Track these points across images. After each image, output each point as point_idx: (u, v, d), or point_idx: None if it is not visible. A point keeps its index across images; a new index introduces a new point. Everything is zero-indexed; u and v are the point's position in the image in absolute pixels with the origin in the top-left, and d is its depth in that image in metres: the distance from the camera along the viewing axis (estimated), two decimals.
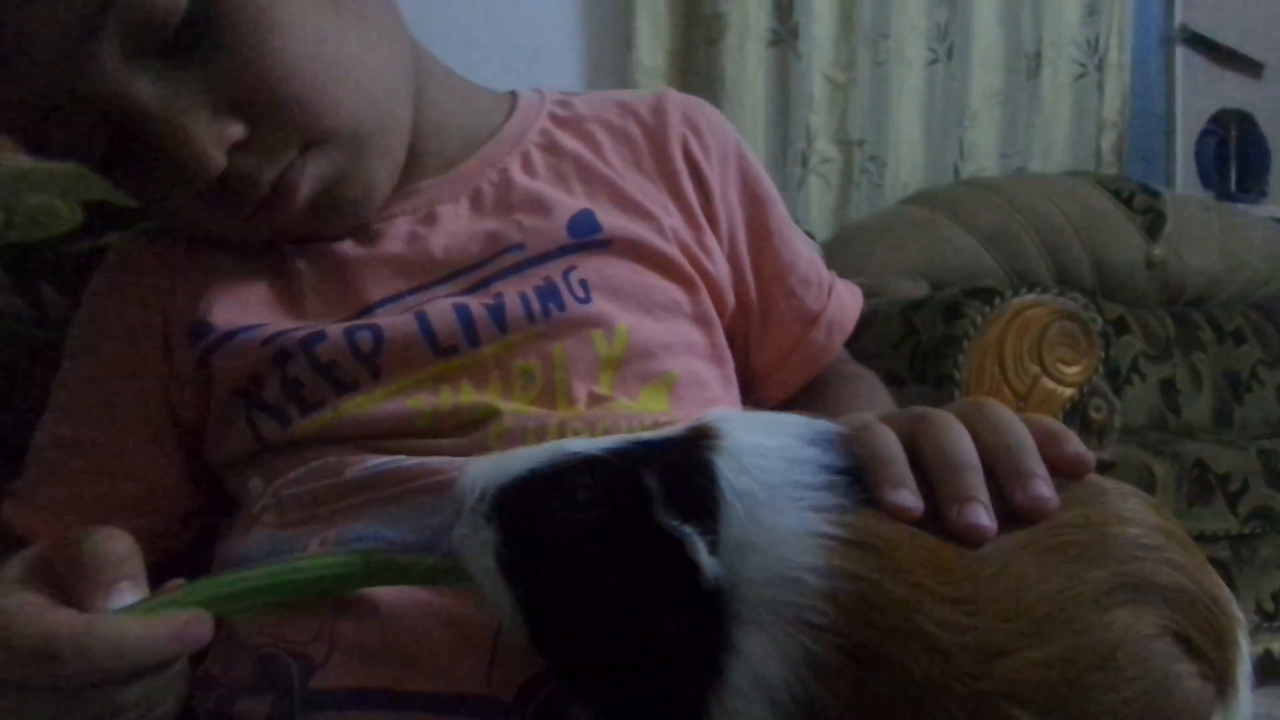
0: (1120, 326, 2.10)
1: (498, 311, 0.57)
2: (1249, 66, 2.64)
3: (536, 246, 0.60)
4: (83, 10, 0.50)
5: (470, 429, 0.55)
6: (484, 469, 0.43)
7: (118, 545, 0.43)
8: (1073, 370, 1.51)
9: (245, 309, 0.59)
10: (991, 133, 2.38)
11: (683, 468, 0.40)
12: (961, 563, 0.39)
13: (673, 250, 0.62)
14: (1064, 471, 0.42)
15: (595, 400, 0.57)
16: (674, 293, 0.62)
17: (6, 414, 0.75)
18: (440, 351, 0.57)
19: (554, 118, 0.67)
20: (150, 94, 0.52)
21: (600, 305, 0.59)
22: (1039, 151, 2.40)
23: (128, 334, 0.61)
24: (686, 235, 0.64)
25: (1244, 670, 0.43)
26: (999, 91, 2.38)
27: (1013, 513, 0.41)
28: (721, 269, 0.65)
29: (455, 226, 0.61)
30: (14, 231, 0.77)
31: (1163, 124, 2.62)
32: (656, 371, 0.59)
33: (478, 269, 0.59)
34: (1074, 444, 0.42)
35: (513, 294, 0.58)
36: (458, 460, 0.53)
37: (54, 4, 0.50)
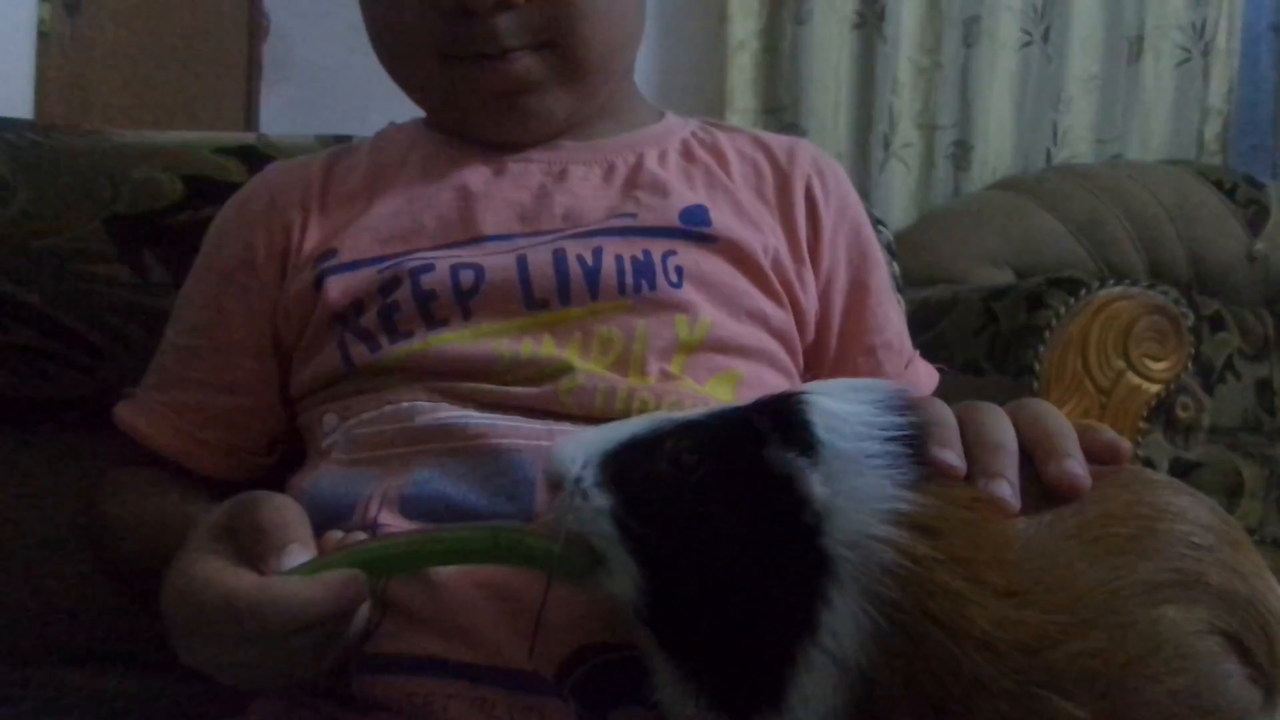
0: (1216, 323, 2.02)
1: (593, 274, 0.60)
2: None
3: (647, 219, 0.63)
4: None
5: (543, 381, 0.57)
6: (579, 443, 0.45)
7: (289, 511, 0.49)
8: (1160, 366, 1.47)
9: (371, 240, 0.62)
10: (1088, 118, 2.30)
11: (783, 419, 0.41)
12: (1014, 552, 0.40)
13: (770, 266, 0.64)
14: (1099, 457, 0.44)
15: (665, 377, 0.59)
16: (762, 302, 0.63)
17: (110, 371, 0.80)
18: (532, 304, 0.59)
19: (695, 136, 0.70)
20: None
21: (690, 293, 0.61)
22: (1137, 139, 2.31)
23: (248, 254, 0.65)
24: (787, 260, 0.66)
25: None
26: (1097, 75, 2.30)
27: (1060, 499, 0.42)
28: (811, 304, 0.67)
29: (582, 190, 0.64)
30: (119, 203, 0.80)
31: (1271, 113, 2.49)
32: (727, 366, 0.61)
33: (591, 236, 0.62)
34: (1109, 433, 0.45)
35: (610, 255, 0.60)
36: (523, 426, 0.55)
37: None
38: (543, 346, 0.58)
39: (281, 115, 2.08)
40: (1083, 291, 1.48)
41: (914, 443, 0.41)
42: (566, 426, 0.55)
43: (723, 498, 0.41)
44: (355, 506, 0.54)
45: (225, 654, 0.46)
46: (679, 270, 0.61)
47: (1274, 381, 2.05)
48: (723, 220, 0.64)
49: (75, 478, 0.78)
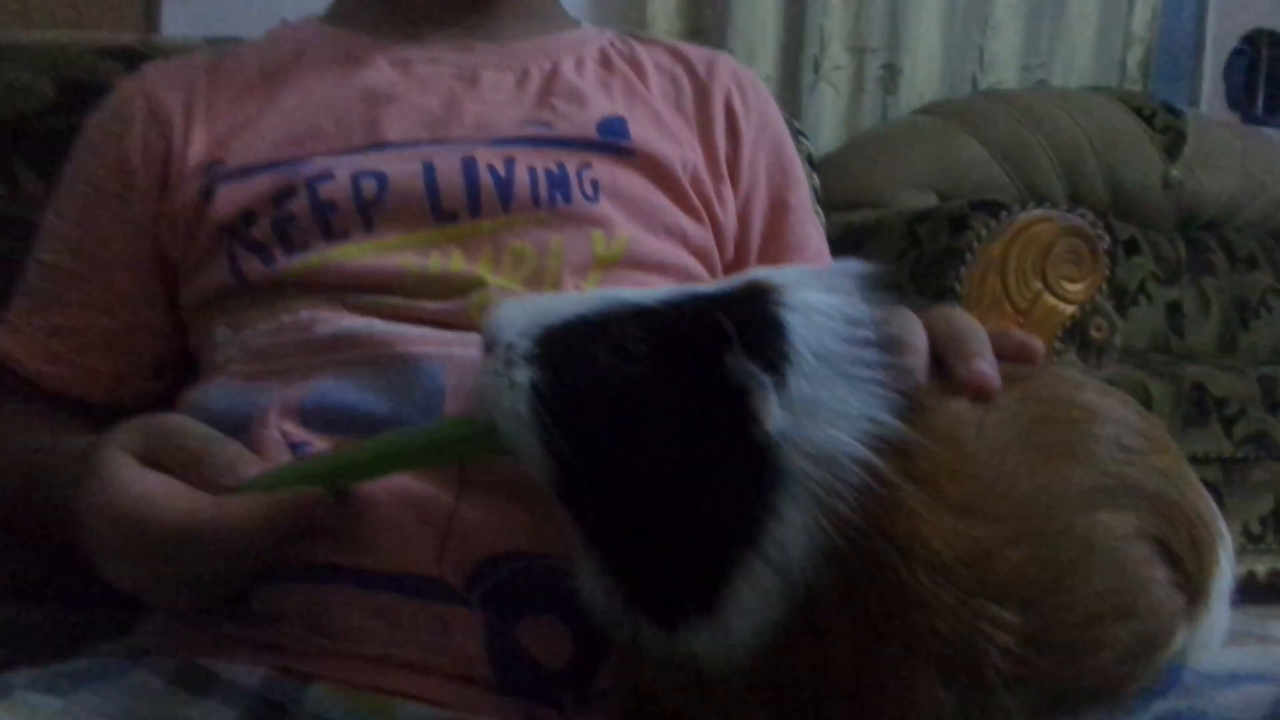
0: (1131, 247, 2.06)
1: (505, 186, 0.57)
2: None
3: (562, 129, 0.60)
4: None
5: (452, 296, 0.54)
6: (522, 309, 0.42)
7: (214, 430, 0.47)
8: (1076, 288, 1.49)
9: (264, 145, 0.58)
10: (1014, 44, 2.30)
11: (752, 319, 0.38)
12: (969, 464, 0.39)
13: (689, 182, 0.62)
14: (1012, 357, 0.44)
15: None
16: (681, 219, 0.61)
17: None
18: (440, 215, 0.56)
19: (613, 45, 0.67)
20: None
21: (606, 208, 0.58)
22: (1062, 65, 2.33)
23: (122, 163, 0.60)
24: (705, 176, 0.64)
25: (1220, 585, 0.43)
26: (1024, 0, 2.29)
27: (1005, 410, 0.41)
28: (730, 223, 0.65)
29: (495, 97, 0.61)
30: None
31: (1191, 42, 2.53)
32: (645, 284, 0.58)
33: (503, 145, 0.59)
34: (1020, 334, 0.46)
35: (523, 167, 0.57)
36: (432, 334, 0.52)
37: None
38: (451, 261, 0.55)
39: (185, 26, 1.95)
40: (1004, 214, 1.48)
41: (889, 342, 0.39)
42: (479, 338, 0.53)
43: (667, 396, 0.39)
44: (251, 419, 0.51)
45: (165, 574, 0.45)
46: (595, 184, 0.59)
47: (1184, 304, 2.11)
48: (641, 133, 0.61)
49: None
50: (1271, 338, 2.15)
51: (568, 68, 0.64)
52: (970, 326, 0.44)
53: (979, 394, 0.41)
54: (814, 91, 2.18)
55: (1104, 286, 1.52)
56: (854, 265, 0.42)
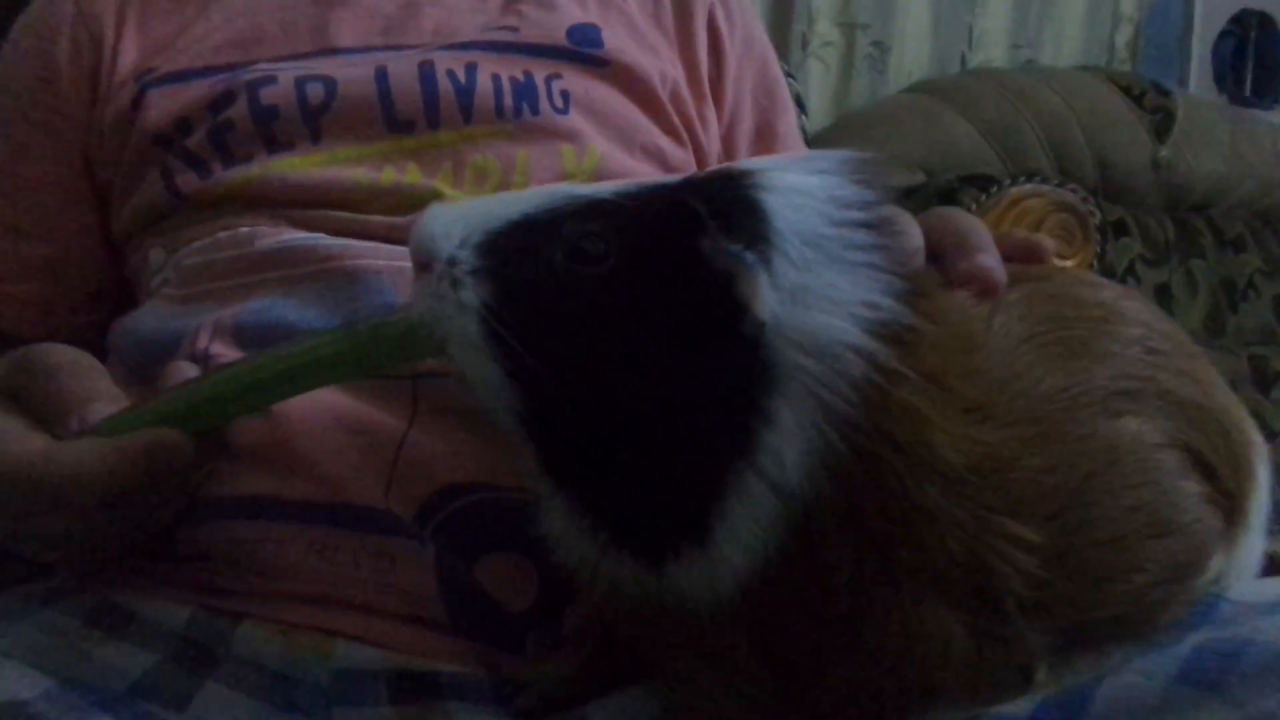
0: (1120, 228, 2.03)
1: (466, 94, 0.52)
2: None
3: (529, 35, 0.56)
4: None
5: (407, 210, 0.49)
6: (457, 215, 0.37)
7: (82, 362, 0.41)
8: (1066, 265, 1.46)
9: (200, 50, 0.54)
10: (1002, 22, 2.27)
11: (727, 203, 0.33)
12: (980, 360, 0.35)
13: (668, 98, 0.58)
14: (1020, 258, 0.40)
15: None
16: (659, 138, 0.57)
17: None
18: (394, 126, 0.52)
19: None
20: None
21: (577, 121, 0.54)
22: (1051, 44, 2.30)
23: (48, 72, 0.56)
24: (686, 94, 0.60)
25: (1259, 502, 0.38)
26: None
27: (1015, 308, 0.36)
28: (713, 147, 0.61)
29: (456, 2, 0.57)
30: None
31: (1180, 22, 2.50)
32: None
33: (463, 49, 0.55)
34: (1026, 234, 0.42)
35: (486, 74, 0.53)
36: (383, 248, 0.47)
37: None
38: (407, 175, 0.51)
39: None
40: (994, 188, 1.46)
41: (882, 223, 0.34)
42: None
43: (637, 298, 0.34)
44: (182, 340, 0.46)
45: (20, 527, 0.40)
46: (565, 95, 0.54)
47: (1172, 287, 2.08)
48: (616, 43, 0.57)
49: None
50: (1259, 319, 2.13)
51: None
52: (969, 222, 0.40)
53: (984, 289, 0.37)
54: (802, 68, 2.14)
55: (1095, 264, 1.49)
56: (838, 152, 0.38)
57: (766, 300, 0.32)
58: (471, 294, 0.35)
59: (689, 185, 0.36)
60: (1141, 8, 2.37)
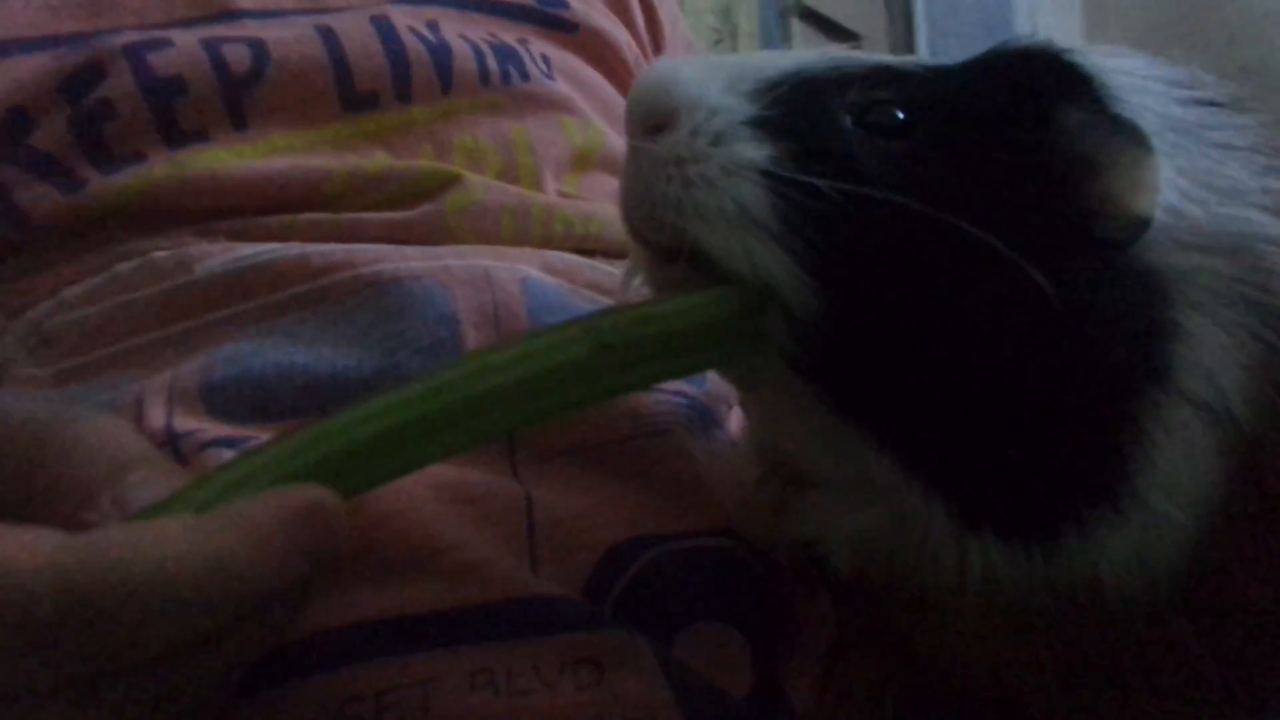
0: None
1: (441, 54, 0.39)
2: (848, 37, 2.96)
3: None
4: None
5: (411, 203, 0.36)
6: (703, 64, 0.26)
7: (102, 424, 0.24)
8: None
9: (23, 12, 0.36)
10: None
11: (1062, 76, 0.26)
12: None
13: (635, 69, 0.49)
14: None
15: (565, 200, 0.41)
16: None
17: None
18: (351, 101, 0.37)
19: None
20: None
21: (566, 89, 0.44)
22: None
23: None
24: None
25: None
26: None
27: None
28: None
29: None
30: None
31: None
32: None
33: (420, 3, 0.41)
34: None
35: (452, 33, 0.40)
36: (407, 249, 0.34)
37: None
38: (373, 164, 0.38)
39: None
40: None
41: (1233, 102, 0.28)
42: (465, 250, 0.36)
43: (964, 182, 0.25)
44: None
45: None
46: (545, 60, 0.43)
47: None
48: (581, 6, 0.47)
49: None
50: None
51: None
52: None
53: None
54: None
55: None
56: None
57: (1157, 187, 0.26)
58: (750, 150, 0.24)
59: (1006, 58, 0.28)
60: None
